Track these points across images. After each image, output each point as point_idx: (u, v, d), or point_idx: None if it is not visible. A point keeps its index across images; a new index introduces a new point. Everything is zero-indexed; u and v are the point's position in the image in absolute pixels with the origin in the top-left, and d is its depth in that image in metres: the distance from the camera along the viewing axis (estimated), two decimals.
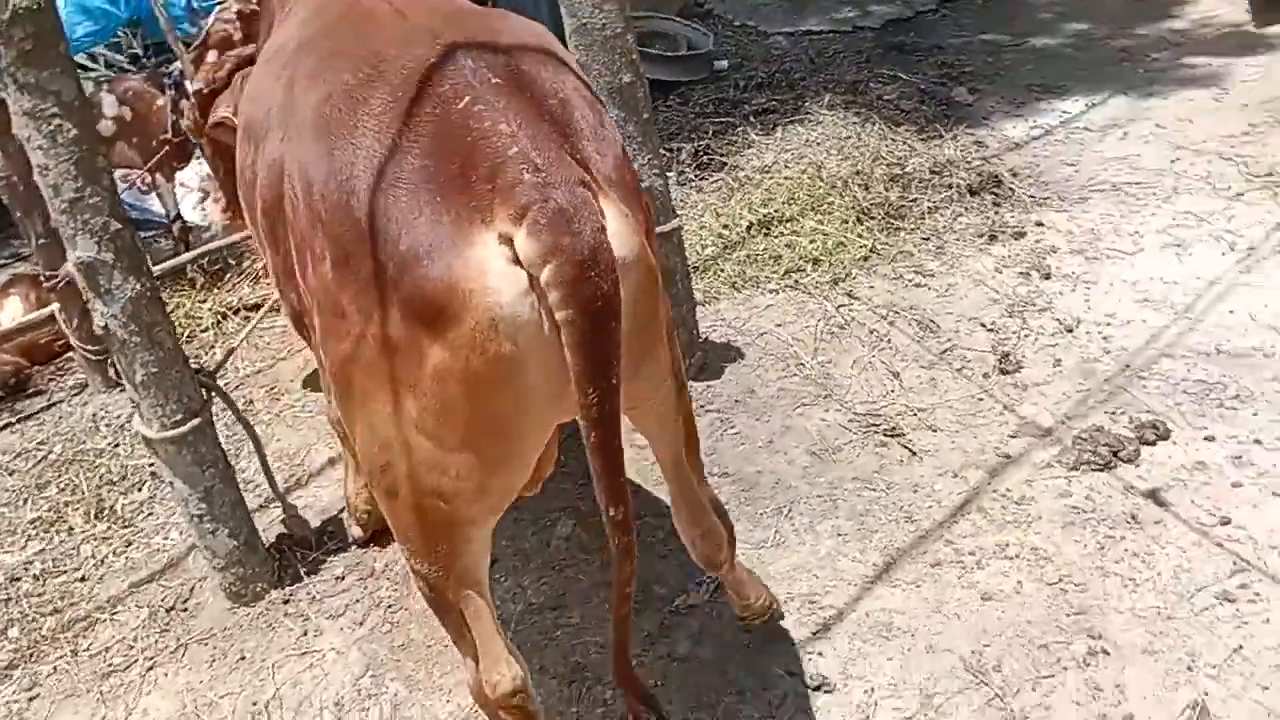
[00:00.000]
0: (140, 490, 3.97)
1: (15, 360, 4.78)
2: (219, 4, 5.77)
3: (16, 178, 4.07)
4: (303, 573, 3.46)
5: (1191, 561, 3.05)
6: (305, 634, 3.26)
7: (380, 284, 1.81)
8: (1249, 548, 3.06)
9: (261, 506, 3.73)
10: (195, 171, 5.24)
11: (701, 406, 3.87)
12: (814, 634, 2.99)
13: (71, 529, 3.81)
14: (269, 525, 3.61)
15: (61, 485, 4.05)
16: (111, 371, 4.53)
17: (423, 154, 1.80)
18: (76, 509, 3.89)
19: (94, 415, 4.47)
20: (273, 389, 4.49)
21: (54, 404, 4.64)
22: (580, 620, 3.14)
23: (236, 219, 4.07)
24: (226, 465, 3.17)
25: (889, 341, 4.23)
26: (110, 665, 3.25)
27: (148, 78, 5.38)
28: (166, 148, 4.91)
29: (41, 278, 4.43)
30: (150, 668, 3.22)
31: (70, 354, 4.86)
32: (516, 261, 1.73)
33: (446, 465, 1.92)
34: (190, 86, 5.42)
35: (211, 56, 5.26)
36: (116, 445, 4.23)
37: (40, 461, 4.22)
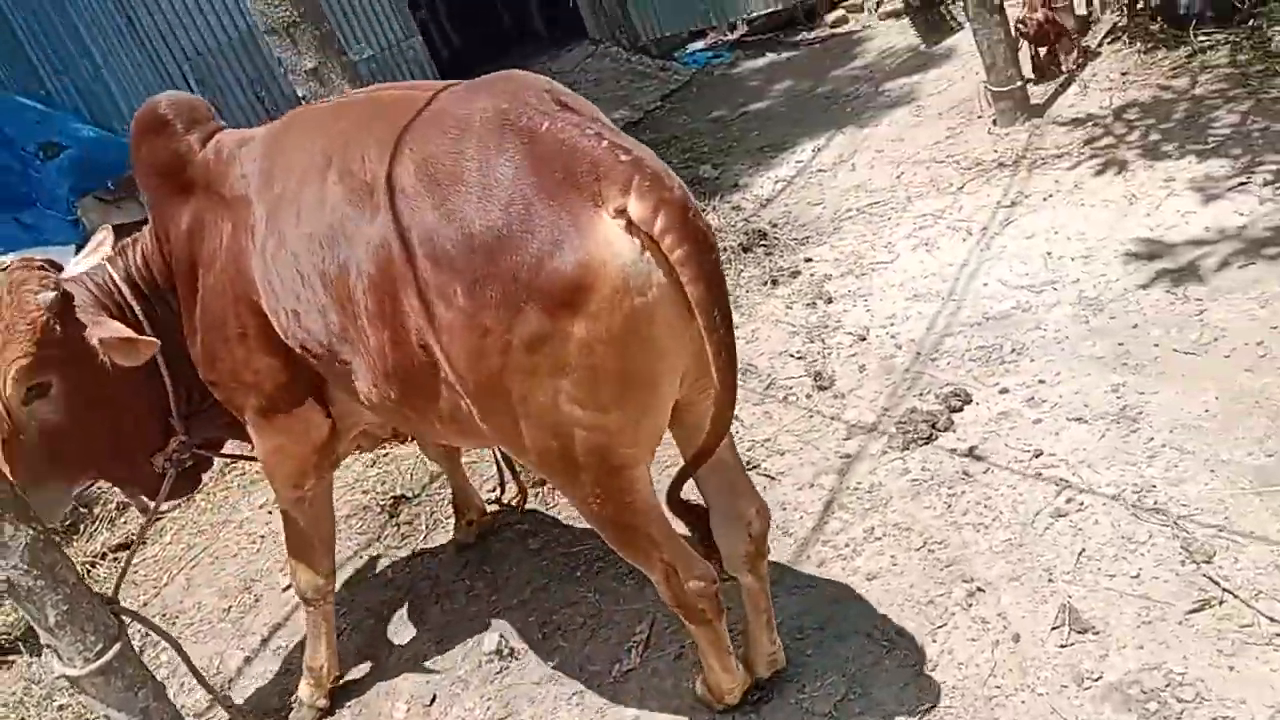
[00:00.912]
0: None
1: None
2: None
3: None
4: None
5: (1022, 494, 3.53)
6: None
7: (516, 290, 2.18)
8: (1063, 469, 3.58)
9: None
10: None
11: None
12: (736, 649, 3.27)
13: None
14: None
15: None
16: None
17: (528, 174, 2.20)
18: None
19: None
20: (164, 614, 4.46)
21: None
22: (535, 715, 3.32)
23: None
24: (156, 681, 3.18)
25: None
26: None
27: None
28: None
29: None
30: None
31: None
32: (629, 229, 2.15)
33: (606, 424, 2.32)
34: None
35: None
36: (21, 719, 4.09)
37: None
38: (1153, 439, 3.57)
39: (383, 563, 4.33)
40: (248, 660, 4.02)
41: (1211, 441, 3.45)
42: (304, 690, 3.56)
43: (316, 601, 3.42)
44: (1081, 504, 3.41)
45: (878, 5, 9.96)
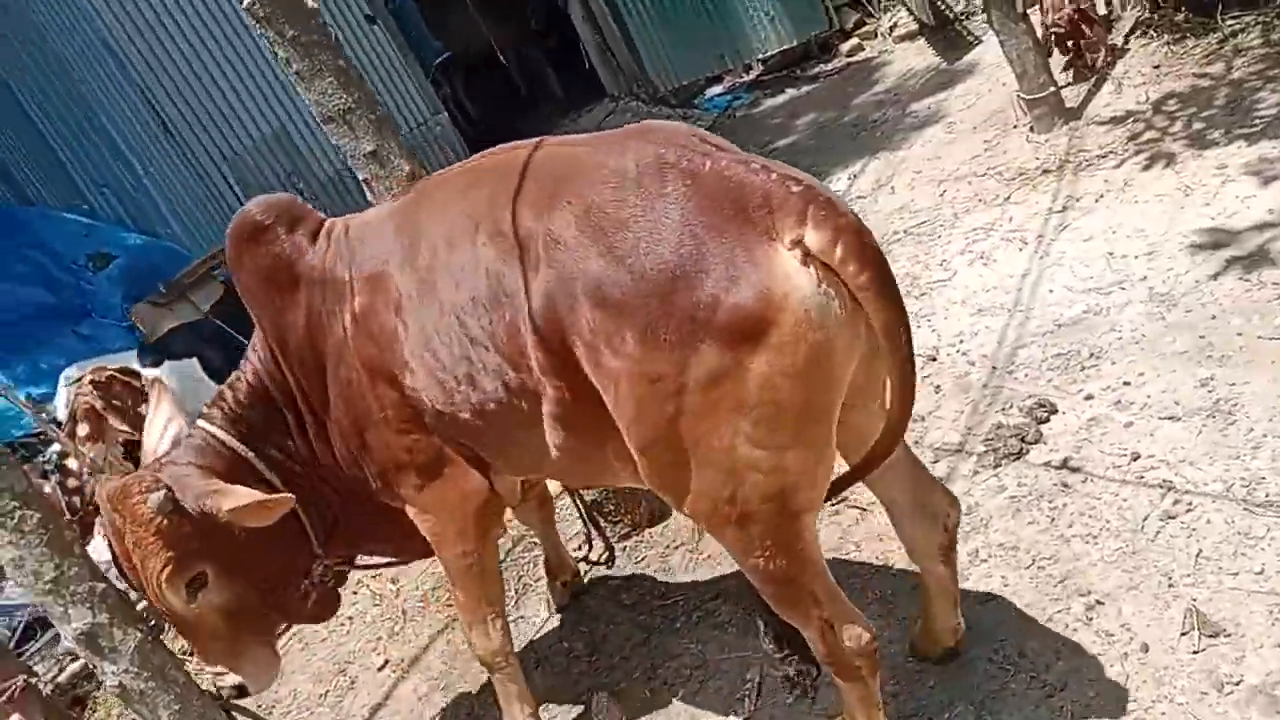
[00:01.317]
0: None
1: None
2: (72, 384, 5.91)
3: None
4: None
5: (1127, 500, 3.44)
6: None
7: (693, 329, 2.16)
8: (1164, 470, 3.49)
9: None
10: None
11: (669, 546, 4.15)
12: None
13: None
14: None
15: None
16: None
17: (696, 214, 2.19)
18: None
19: None
20: (260, 704, 4.43)
21: None
22: None
23: None
24: None
25: None
26: None
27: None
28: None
29: None
30: None
31: None
32: (806, 260, 2.15)
33: (785, 464, 2.29)
34: (73, 464, 5.50)
35: (83, 430, 5.38)
36: None
37: None
38: (1253, 430, 3.48)
39: None
40: None
41: None
42: None
43: (499, 664, 3.34)
44: (1190, 504, 3.32)
45: (891, 30, 9.99)
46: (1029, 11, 6.11)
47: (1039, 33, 6.30)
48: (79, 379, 5.63)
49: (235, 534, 2.88)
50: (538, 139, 2.67)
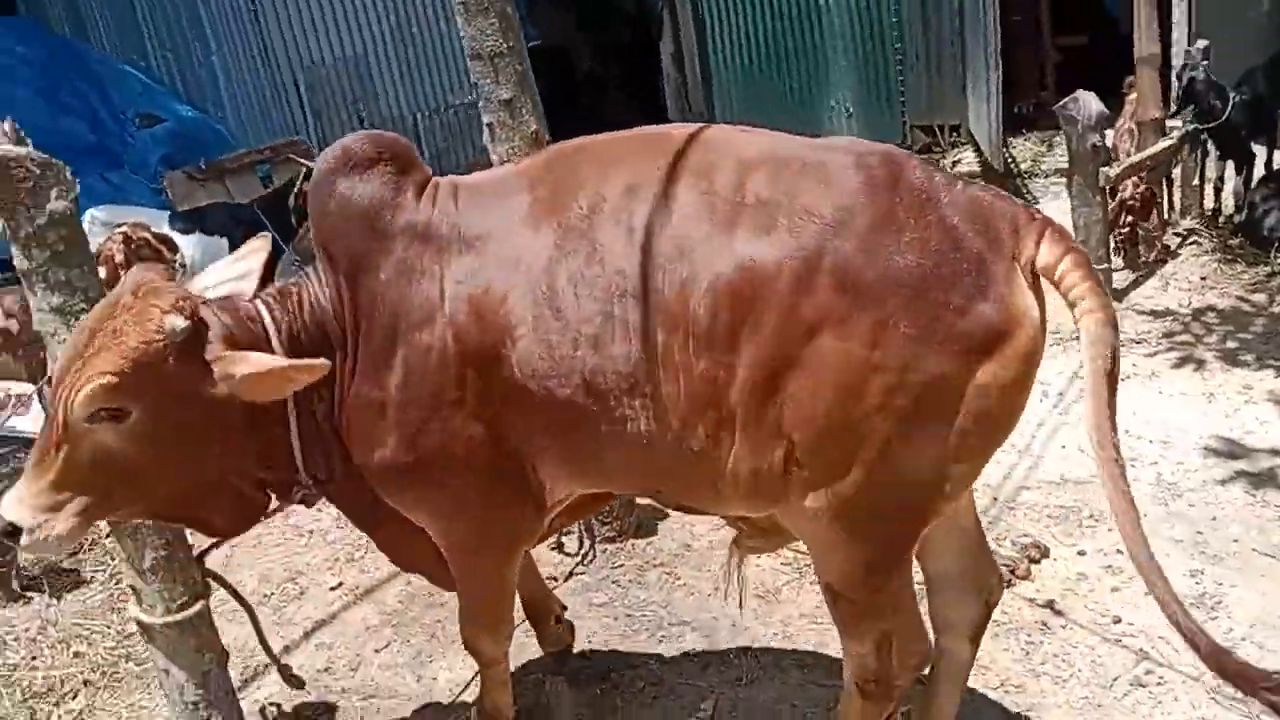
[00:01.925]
0: (75, 699, 3.79)
1: None
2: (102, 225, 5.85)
3: None
4: None
5: (1101, 657, 3.56)
6: None
7: (933, 330, 2.21)
8: (1143, 640, 3.61)
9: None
10: None
11: (648, 562, 4.16)
12: None
13: None
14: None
15: None
16: (15, 585, 4.32)
17: (953, 225, 2.29)
18: None
19: None
20: None
21: None
22: None
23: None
24: (223, 651, 3.15)
25: None
26: None
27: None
28: None
29: None
30: None
31: None
32: (1036, 284, 2.30)
33: (952, 474, 2.37)
34: None
35: (101, 273, 5.31)
36: (34, 658, 4.01)
37: None
38: (1232, 630, 3.61)
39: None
40: (287, 649, 3.97)
41: None
42: None
43: (498, 661, 3.15)
44: (1161, 678, 3.44)
45: (954, 166, 10.27)
46: (1106, 186, 6.33)
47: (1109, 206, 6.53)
48: (117, 226, 5.57)
49: (196, 409, 2.46)
50: (702, 125, 2.64)
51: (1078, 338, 6.02)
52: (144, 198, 7.39)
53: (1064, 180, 6.78)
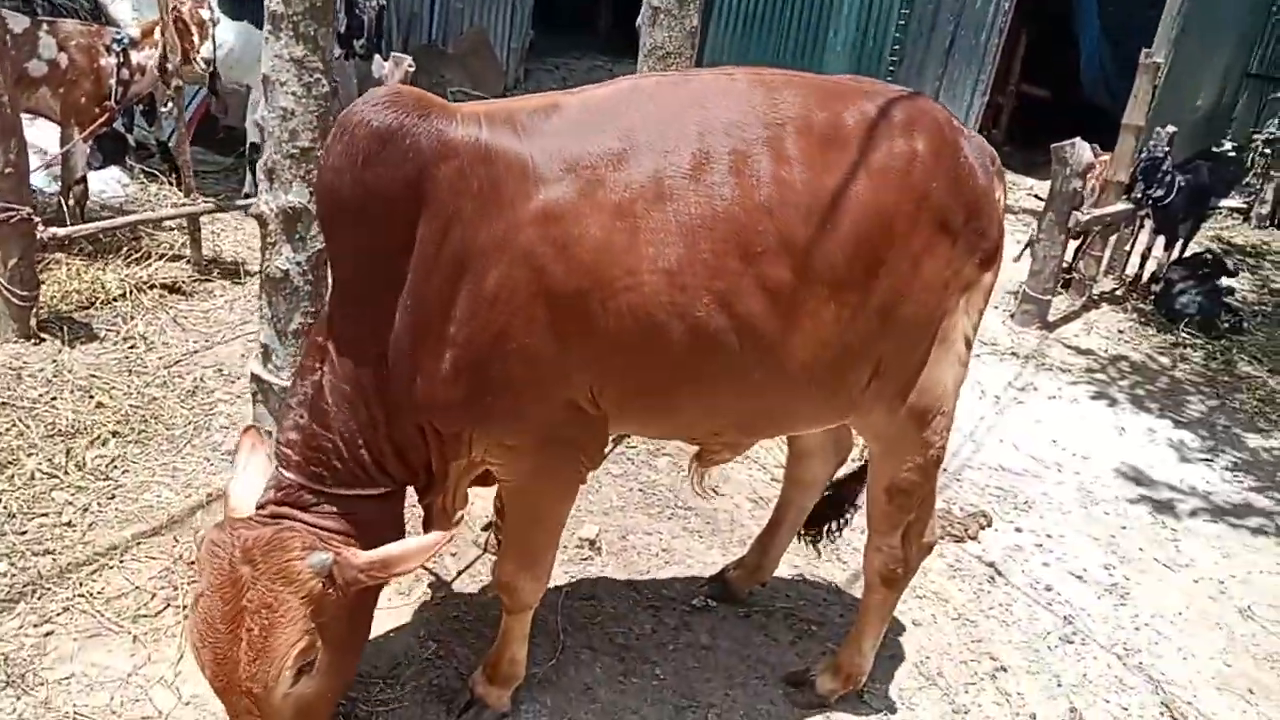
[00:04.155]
0: (105, 446, 3.84)
1: None
2: None
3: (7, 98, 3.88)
4: None
5: (1036, 614, 4.12)
6: None
7: (974, 245, 2.78)
8: (1068, 609, 4.20)
9: None
10: None
11: (658, 449, 4.50)
12: (798, 637, 3.68)
13: (33, 475, 3.60)
14: None
15: None
16: (33, 323, 4.28)
17: (987, 163, 2.85)
18: (30, 455, 3.68)
19: (7, 364, 4.17)
20: None
21: None
22: (616, 610, 3.61)
23: None
24: None
25: None
26: (139, 610, 3.19)
27: (94, 31, 5.13)
28: (106, 114, 4.77)
29: None
30: (187, 616, 3.20)
31: None
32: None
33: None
34: (137, 56, 5.31)
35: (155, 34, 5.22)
36: (54, 398, 4.03)
37: None
38: (1137, 615, 4.24)
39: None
40: None
41: (1183, 636, 4.15)
42: (491, 692, 3.10)
43: (529, 607, 3.01)
44: (1083, 640, 4.02)
45: None
46: (1073, 230, 6.98)
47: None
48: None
49: (354, 603, 2.45)
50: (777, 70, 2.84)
51: (1015, 354, 6.64)
52: None
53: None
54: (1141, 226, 8.07)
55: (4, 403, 3.93)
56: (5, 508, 3.45)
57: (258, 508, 2.48)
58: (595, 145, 2.43)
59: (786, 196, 2.49)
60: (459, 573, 3.67)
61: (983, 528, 4.65)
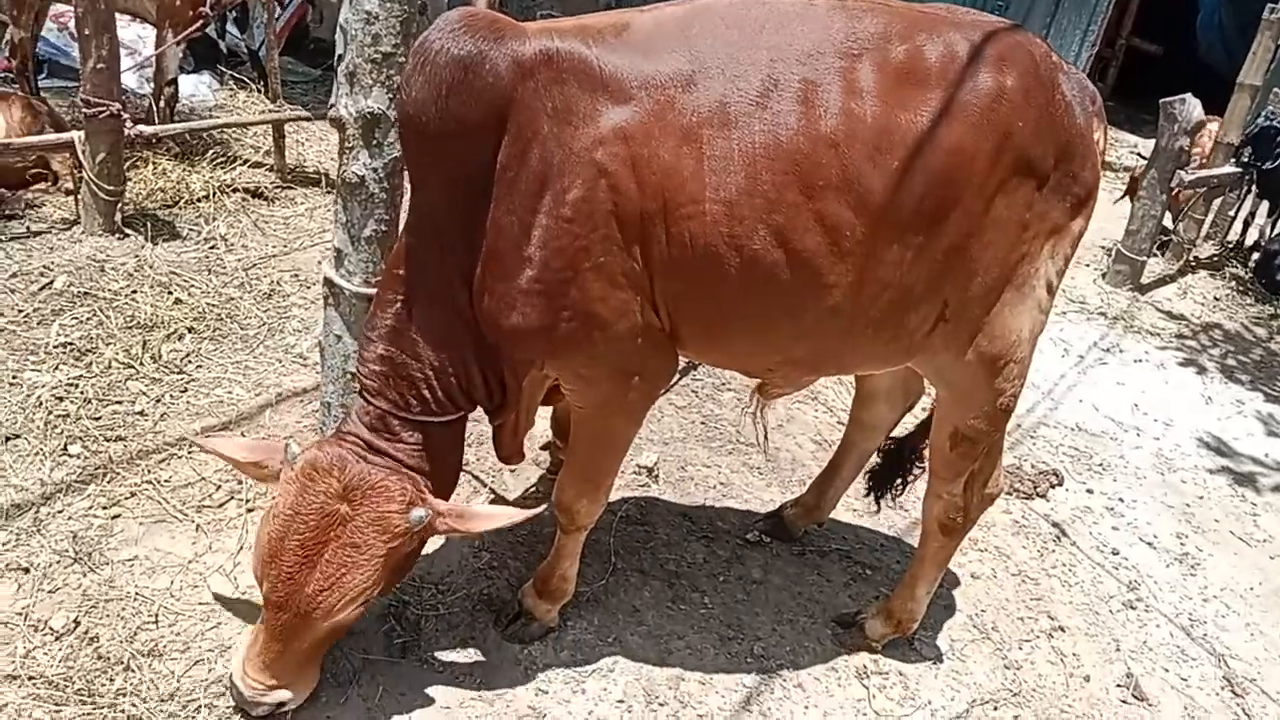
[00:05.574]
0: (181, 341, 3.92)
1: None
2: None
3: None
4: None
5: (1100, 578, 4.02)
6: None
7: (1064, 188, 2.63)
8: (1134, 574, 4.09)
9: None
10: None
11: (724, 383, 4.45)
12: (851, 580, 3.64)
13: (110, 364, 3.70)
14: None
15: (79, 317, 3.89)
16: (118, 218, 4.37)
17: (1088, 103, 2.68)
18: (109, 344, 3.77)
19: (92, 256, 4.27)
20: None
21: (37, 234, 4.35)
22: (670, 537, 3.60)
23: None
24: None
25: None
26: (203, 500, 3.27)
27: None
28: (201, 19, 4.82)
29: (54, 100, 4.20)
30: (250, 509, 3.27)
31: (37, 185, 4.58)
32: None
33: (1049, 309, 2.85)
34: None
35: None
36: (134, 291, 4.11)
37: (45, 288, 4.00)
38: (1206, 587, 4.11)
39: None
40: None
41: (1253, 612, 4.01)
42: (539, 606, 3.11)
43: (585, 529, 3.03)
44: (1147, 607, 3.92)
45: None
46: (1175, 190, 6.69)
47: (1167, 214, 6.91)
48: None
49: (418, 544, 2.62)
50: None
51: (1104, 314, 6.46)
52: None
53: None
54: (1248, 192, 7.73)
55: (86, 293, 4.03)
56: (82, 393, 3.55)
57: (343, 433, 2.58)
58: (666, 65, 2.38)
59: (855, 130, 2.39)
60: (522, 493, 3.69)
61: (1053, 486, 4.54)
